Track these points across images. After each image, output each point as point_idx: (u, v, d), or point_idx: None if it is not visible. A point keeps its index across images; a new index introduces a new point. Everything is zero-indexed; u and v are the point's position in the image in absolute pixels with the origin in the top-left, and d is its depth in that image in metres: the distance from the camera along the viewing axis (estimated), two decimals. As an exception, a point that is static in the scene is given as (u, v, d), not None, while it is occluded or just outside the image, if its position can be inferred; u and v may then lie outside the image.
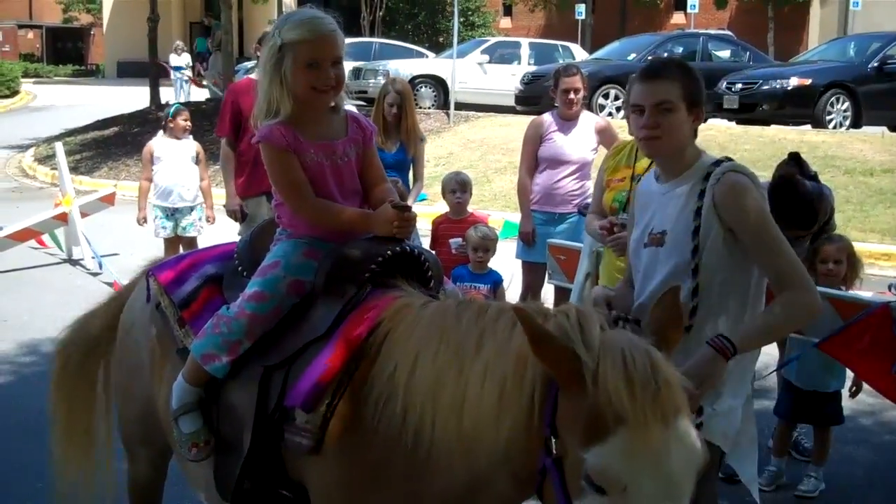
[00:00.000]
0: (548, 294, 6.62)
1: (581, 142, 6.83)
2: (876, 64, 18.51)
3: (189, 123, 8.98)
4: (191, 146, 8.98)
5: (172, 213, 8.84)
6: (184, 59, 29.42)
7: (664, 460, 2.09)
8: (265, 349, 2.95)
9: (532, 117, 7.50)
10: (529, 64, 23.36)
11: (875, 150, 15.30)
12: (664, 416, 2.11)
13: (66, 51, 54.06)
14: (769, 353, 6.11)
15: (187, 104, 21.00)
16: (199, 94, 27.43)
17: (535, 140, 6.94)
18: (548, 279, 6.36)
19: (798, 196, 5.03)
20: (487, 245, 6.03)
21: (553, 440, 2.23)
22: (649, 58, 20.45)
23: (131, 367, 3.53)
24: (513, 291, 6.77)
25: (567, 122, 6.89)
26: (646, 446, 2.08)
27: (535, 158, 6.92)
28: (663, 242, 3.20)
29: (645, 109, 3.21)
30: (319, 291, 2.95)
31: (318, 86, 2.98)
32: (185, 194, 8.80)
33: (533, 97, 20.04)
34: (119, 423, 3.72)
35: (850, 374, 5.19)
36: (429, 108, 20.82)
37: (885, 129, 17.82)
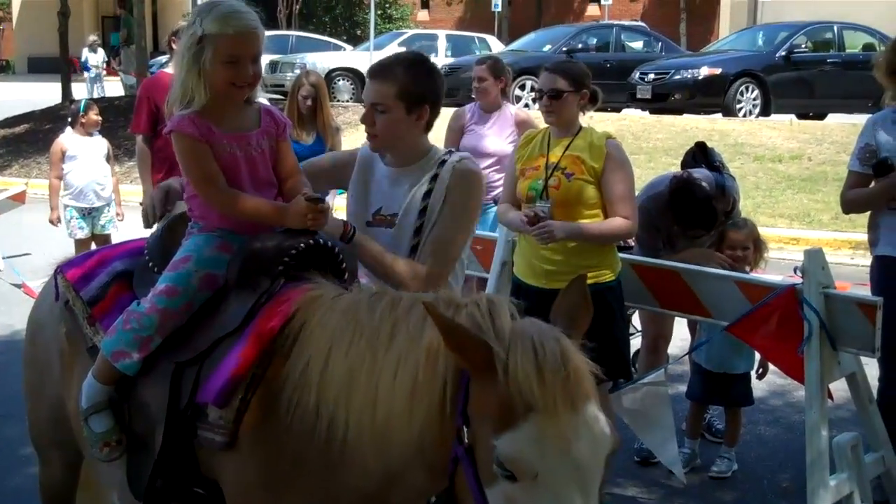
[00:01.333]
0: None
1: (500, 134, 6.90)
2: (784, 53, 18.94)
3: (100, 118, 8.80)
4: (102, 143, 8.82)
5: (89, 213, 8.69)
6: (100, 56, 28.71)
7: (574, 446, 2.12)
8: (177, 345, 2.92)
9: (451, 109, 7.54)
10: (447, 56, 23.43)
11: (784, 138, 15.66)
12: (573, 402, 2.14)
13: (-27, 47, 52.61)
14: (683, 339, 6.26)
15: (101, 100, 20.64)
16: (114, 90, 26.89)
17: (456, 130, 7.00)
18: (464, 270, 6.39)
19: (695, 199, 5.26)
20: None
21: (465, 429, 2.25)
22: (563, 49, 20.71)
23: (41, 367, 3.46)
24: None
25: (487, 113, 6.95)
26: (556, 433, 2.11)
27: (454, 143, 6.97)
28: (394, 224, 3.34)
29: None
30: (232, 285, 2.93)
31: (236, 81, 2.96)
32: (101, 192, 8.66)
33: (450, 89, 20.00)
34: (29, 425, 3.64)
35: (758, 356, 5.32)
36: (347, 101, 20.73)
37: (793, 116, 18.25)
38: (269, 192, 3.10)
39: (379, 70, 3.42)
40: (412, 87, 3.37)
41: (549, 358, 2.16)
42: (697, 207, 5.23)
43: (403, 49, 22.83)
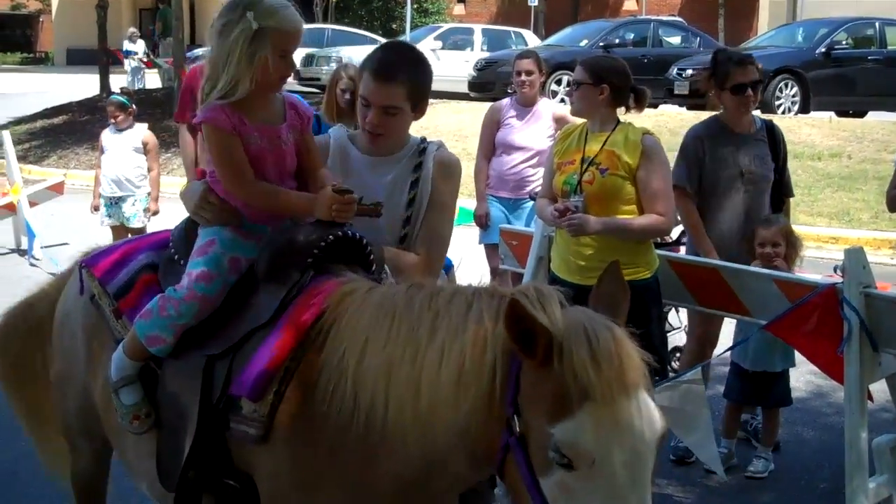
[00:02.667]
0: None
1: (538, 129, 6.87)
2: (824, 49, 18.73)
3: (119, 116, 8.90)
4: (135, 136, 8.92)
5: (115, 203, 8.90)
6: (139, 47, 28.91)
7: (630, 433, 2.15)
8: (207, 337, 2.92)
9: (486, 104, 7.54)
10: (483, 50, 23.36)
11: (823, 135, 15.49)
12: (627, 389, 2.17)
13: (14, 38, 53.15)
14: (728, 338, 6.19)
15: (139, 91, 20.79)
16: (154, 82, 27.05)
17: (492, 125, 6.99)
18: (500, 264, 6.39)
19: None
20: None
21: (516, 418, 2.26)
22: (600, 44, 20.58)
23: (68, 359, 3.48)
24: (462, 274, 6.80)
25: (525, 108, 6.93)
26: (612, 420, 2.13)
27: (492, 143, 6.97)
28: (379, 214, 3.23)
29: (372, 106, 3.28)
30: (261, 277, 2.93)
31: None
32: (122, 185, 8.82)
33: (486, 83, 20.08)
34: (58, 416, 3.67)
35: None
36: (382, 94, 20.69)
37: (832, 114, 18.04)
38: (292, 185, 3.10)
39: (389, 72, 3.28)
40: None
41: (603, 346, 2.19)
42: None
43: (440, 43, 22.86)
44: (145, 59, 28.64)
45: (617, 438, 2.14)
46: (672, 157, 5.12)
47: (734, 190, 5.36)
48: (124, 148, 8.85)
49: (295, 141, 3.11)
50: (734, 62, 5.40)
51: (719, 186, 5.36)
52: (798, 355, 5.18)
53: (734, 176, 5.35)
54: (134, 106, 9.22)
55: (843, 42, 19.17)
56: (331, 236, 2.91)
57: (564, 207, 4.58)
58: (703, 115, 18.10)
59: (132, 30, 30.11)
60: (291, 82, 3.37)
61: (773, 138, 5.52)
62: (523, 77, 6.88)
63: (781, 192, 5.57)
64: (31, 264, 9.93)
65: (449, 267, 6.06)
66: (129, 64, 28.01)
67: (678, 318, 6.52)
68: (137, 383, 3.03)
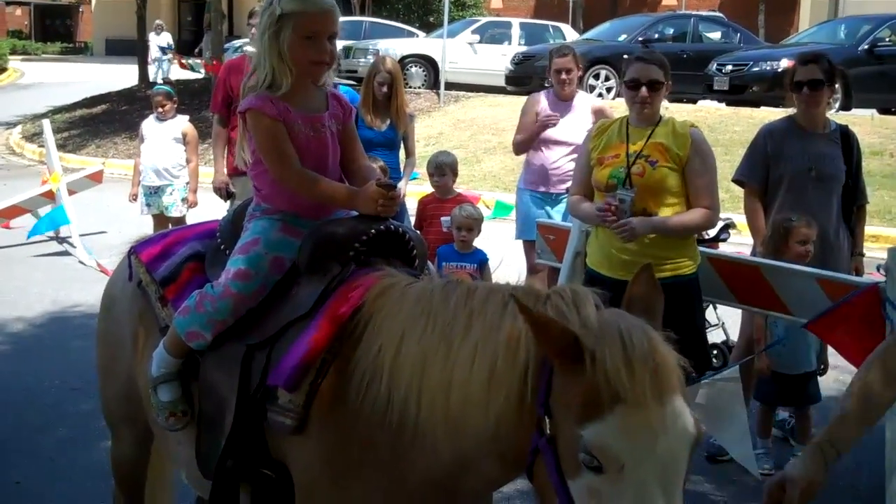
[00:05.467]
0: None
1: (577, 123, 6.83)
2: (866, 47, 18.48)
3: (166, 106, 8.96)
4: (175, 127, 8.98)
5: (155, 192, 8.95)
6: (164, 39, 28.98)
7: (661, 439, 2.10)
8: (247, 328, 2.93)
9: (522, 98, 7.49)
10: (520, 44, 23.28)
11: (865, 133, 15.27)
12: (661, 395, 2.13)
13: (54, 28, 53.79)
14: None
15: (176, 83, 20.89)
16: (179, 73, 27.15)
17: (531, 114, 6.94)
18: (536, 258, 6.36)
19: None
20: (471, 224, 6.03)
21: (546, 420, 2.23)
22: (639, 39, 20.46)
23: (113, 344, 3.49)
24: (501, 273, 6.79)
25: (563, 102, 6.89)
26: (644, 425, 2.10)
27: (530, 127, 6.89)
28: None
29: None
30: (303, 269, 2.93)
31: (315, 58, 2.97)
32: (161, 174, 8.86)
33: (523, 77, 19.98)
34: (101, 400, 3.69)
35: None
36: (419, 87, 20.74)
37: (874, 111, 17.83)
38: (334, 176, 3.10)
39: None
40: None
41: (638, 349, 2.14)
42: None
43: (477, 37, 22.80)
44: (171, 55, 28.67)
45: (647, 443, 2.09)
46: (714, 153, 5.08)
47: (801, 187, 5.36)
48: (165, 138, 8.91)
49: (337, 130, 3.10)
50: (798, 61, 5.52)
51: (786, 182, 5.37)
52: (831, 355, 5.13)
53: (802, 172, 5.35)
54: (176, 97, 9.29)
55: (887, 39, 18.89)
56: (374, 230, 2.91)
57: (607, 205, 4.54)
58: (742, 112, 17.84)
59: (158, 21, 30.16)
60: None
61: (847, 142, 5.54)
62: (563, 76, 6.82)
63: (855, 197, 5.56)
64: (67, 252, 10.02)
65: (484, 261, 6.08)
66: (153, 54, 28.07)
67: (716, 315, 6.46)
68: (177, 381, 3.06)
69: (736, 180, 5.65)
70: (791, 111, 5.62)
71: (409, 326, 2.57)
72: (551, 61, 6.90)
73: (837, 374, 5.63)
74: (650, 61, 4.76)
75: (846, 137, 5.53)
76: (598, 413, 2.11)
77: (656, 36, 21.22)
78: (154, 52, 27.87)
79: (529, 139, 6.90)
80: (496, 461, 2.43)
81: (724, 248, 6.16)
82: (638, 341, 2.16)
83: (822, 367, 5.42)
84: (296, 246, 2.97)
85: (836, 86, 18.08)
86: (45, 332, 7.41)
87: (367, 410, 2.59)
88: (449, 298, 2.56)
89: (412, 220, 6.87)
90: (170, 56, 28.71)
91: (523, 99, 7.60)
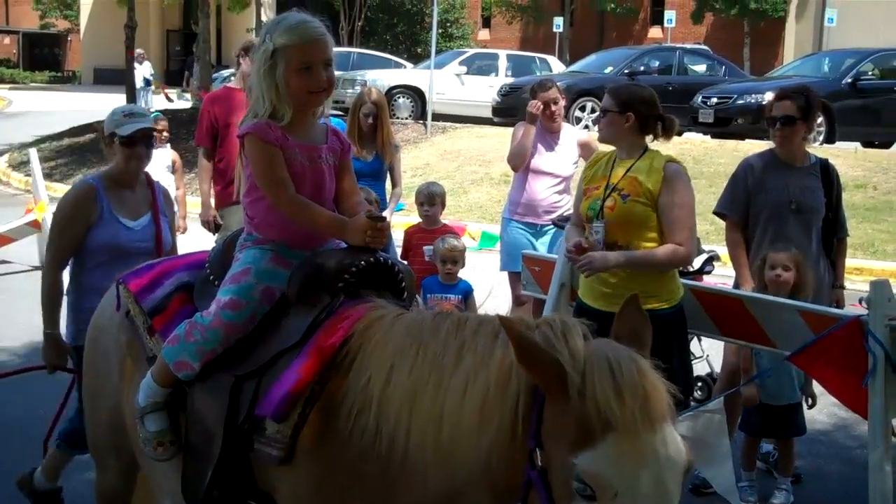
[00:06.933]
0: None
1: (563, 155, 6.87)
2: (850, 80, 18.64)
3: (166, 133, 8.95)
4: (166, 155, 8.96)
5: None
6: (145, 69, 28.96)
7: (653, 465, 2.13)
8: (236, 358, 2.94)
9: (509, 129, 7.50)
10: (507, 76, 23.39)
11: (849, 166, 15.40)
12: (652, 421, 2.16)
13: (42, 57, 53.72)
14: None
15: (166, 112, 20.88)
16: (161, 103, 27.13)
17: (518, 134, 6.94)
18: (522, 290, 6.37)
19: None
20: (456, 256, 6.01)
21: (538, 452, 2.25)
22: (625, 71, 20.59)
23: (101, 373, 3.49)
24: (490, 304, 6.80)
25: (550, 134, 6.92)
26: (635, 452, 2.12)
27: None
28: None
29: None
30: (292, 300, 2.94)
31: (311, 88, 2.99)
32: None
33: (510, 109, 20.04)
34: (87, 430, 3.68)
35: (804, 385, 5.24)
36: (406, 118, 20.81)
37: (858, 144, 17.97)
38: (328, 209, 3.11)
39: None
40: None
41: (627, 377, 2.18)
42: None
43: (464, 68, 22.91)
44: (152, 84, 28.58)
45: (640, 470, 2.12)
46: (697, 185, 5.11)
47: (782, 220, 5.39)
48: (159, 167, 8.84)
49: (334, 164, 3.13)
50: (776, 96, 5.63)
51: (766, 215, 5.41)
52: (817, 387, 5.15)
53: (782, 205, 5.39)
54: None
55: (870, 73, 19.08)
56: (363, 262, 2.93)
57: (577, 244, 4.56)
58: (727, 144, 17.93)
59: (139, 51, 30.08)
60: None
61: (828, 176, 5.61)
62: (552, 107, 6.84)
63: (835, 230, 5.61)
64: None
65: (469, 292, 6.09)
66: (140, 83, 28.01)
67: (700, 348, 6.49)
68: (164, 411, 3.06)
69: (717, 213, 5.69)
70: (773, 144, 5.67)
71: (398, 357, 2.58)
72: (535, 96, 6.91)
73: (822, 406, 5.64)
74: (608, 91, 4.86)
75: (826, 171, 5.59)
76: (590, 441, 2.13)
77: (642, 68, 21.34)
78: (138, 82, 27.86)
79: (524, 148, 6.87)
80: (487, 492, 2.43)
81: (708, 280, 6.20)
82: (627, 370, 2.19)
83: (811, 400, 5.41)
84: (286, 277, 2.99)
85: (820, 119, 18.36)
86: (32, 362, 7.33)
87: (355, 441, 2.60)
88: (439, 329, 2.58)
89: (398, 250, 6.88)
90: (153, 87, 28.67)
91: (510, 130, 7.61)
